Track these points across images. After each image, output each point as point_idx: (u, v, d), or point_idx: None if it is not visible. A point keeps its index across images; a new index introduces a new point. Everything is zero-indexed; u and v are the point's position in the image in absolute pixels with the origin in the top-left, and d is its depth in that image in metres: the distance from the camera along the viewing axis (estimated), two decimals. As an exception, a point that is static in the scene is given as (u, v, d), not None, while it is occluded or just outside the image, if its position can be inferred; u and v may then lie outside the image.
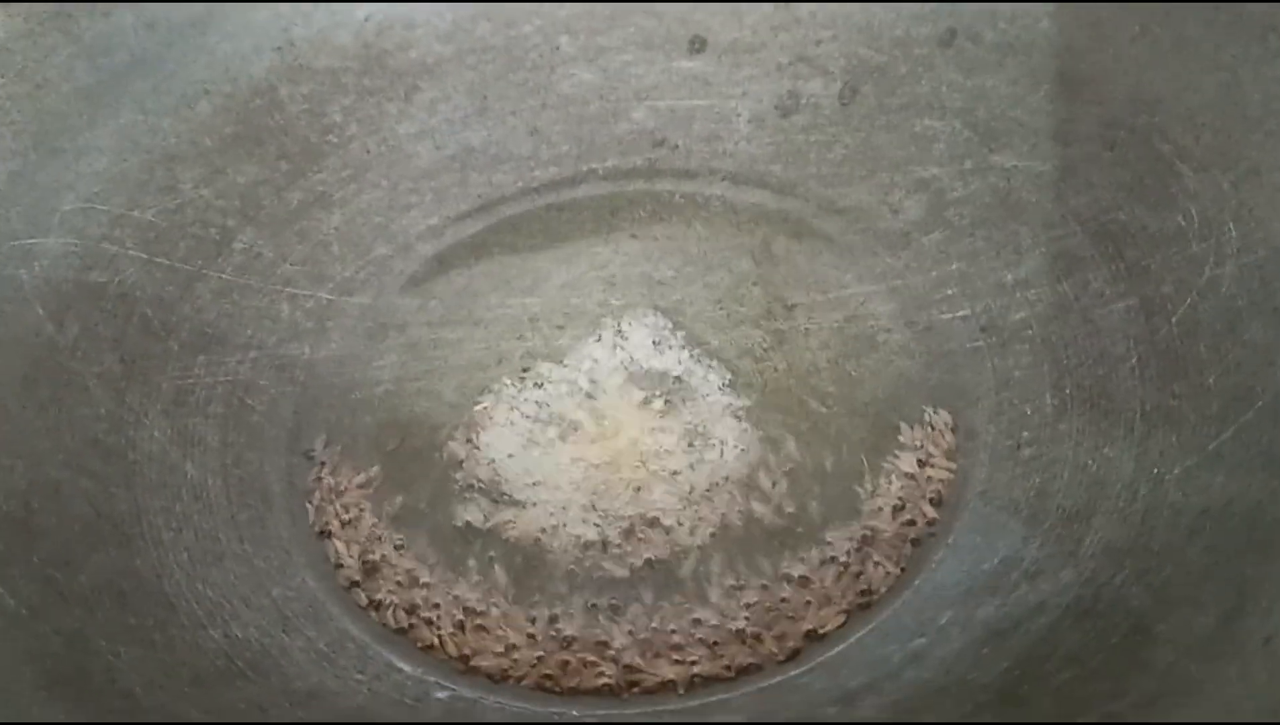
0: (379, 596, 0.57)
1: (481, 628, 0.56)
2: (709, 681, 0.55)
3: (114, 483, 0.58)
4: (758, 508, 0.59)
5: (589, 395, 0.63)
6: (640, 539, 0.58)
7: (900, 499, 0.58)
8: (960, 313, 0.65)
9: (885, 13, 0.72)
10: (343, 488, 0.61)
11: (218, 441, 0.62)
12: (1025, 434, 0.59)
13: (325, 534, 0.59)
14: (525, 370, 0.65)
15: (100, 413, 0.60)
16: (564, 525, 0.59)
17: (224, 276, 0.67)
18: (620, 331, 0.66)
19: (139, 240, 0.66)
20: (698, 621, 0.56)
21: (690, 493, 0.60)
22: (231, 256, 0.68)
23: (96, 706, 0.49)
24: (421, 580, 0.58)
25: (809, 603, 0.56)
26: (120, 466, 0.59)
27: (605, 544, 0.58)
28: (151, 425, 0.61)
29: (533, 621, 0.56)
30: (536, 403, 0.64)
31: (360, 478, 0.61)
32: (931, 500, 0.58)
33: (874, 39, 0.72)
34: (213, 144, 0.69)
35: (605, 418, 0.63)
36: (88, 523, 0.56)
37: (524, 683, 0.54)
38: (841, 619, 0.55)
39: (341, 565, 0.58)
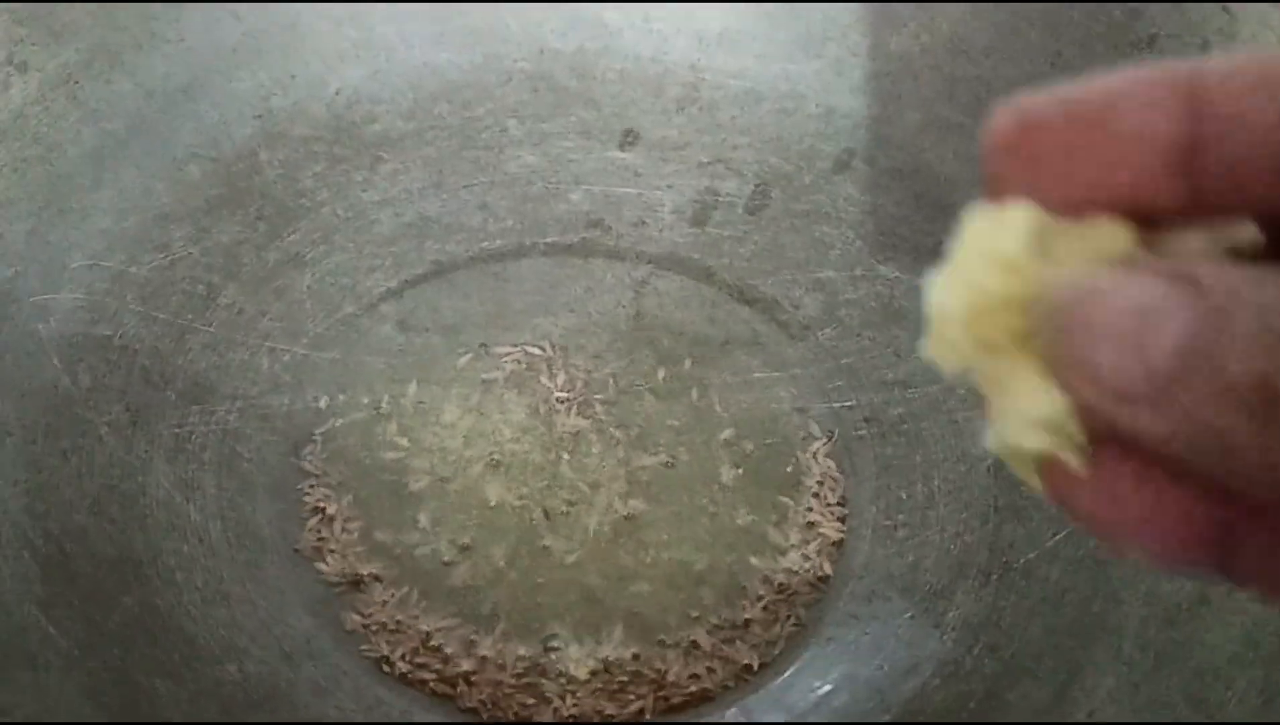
0: (367, 634, 0.67)
1: (450, 660, 0.67)
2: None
3: (130, 527, 0.67)
4: (671, 570, 0.71)
5: (520, 449, 0.74)
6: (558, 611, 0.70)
7: (799, 564, 0.71)
8: (848, 403, 0.78)
9: (793, 128, 0.84)
10: (329, 532, 0.70)
11: (214, 487, 0.70)
12: (901, 516, 0.73)
13: (318, 572, 0.69)
14: (480, 419, 0.75)
15: (113, 459, 0.68)
16: (514, 567, 0.70)
17: (211, 330, 0.75)
18: (556, 398, 0.77)
19: (137, 295, 0.73)
20: (610, 669, 0.68)
21: (603, 549, 0.71)
22: (217, 311, 0.75)
23: (150, 738, 0.58)
24: (406, 620, 0.68)
25: (720, 655, 0.68)
26: (134, 511, 0.67)
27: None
28: (157, 472, 0.69)
29: (501, 655, 0.67)
30: (492, 449, 0.74)
31: (341, 521, 0.71)
32: (820, 578, 0.71)
33: (784, 149, 0.84)
34: (200, 204, 0.77)
35: (538, 470, 0.74)
36: (113, 564, 0.65)
37: (495, 712, 0.65)
38: (755, 661, 0.68)
39: (336, 606, 0.68)
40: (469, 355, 0.78)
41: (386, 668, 0.66)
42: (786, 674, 0.68)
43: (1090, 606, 0.65)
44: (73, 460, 0.67)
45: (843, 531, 0.72)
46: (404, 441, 0.74)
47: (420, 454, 0.74)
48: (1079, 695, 0.61)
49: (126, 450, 0.69)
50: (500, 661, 0.67)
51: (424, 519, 0.71)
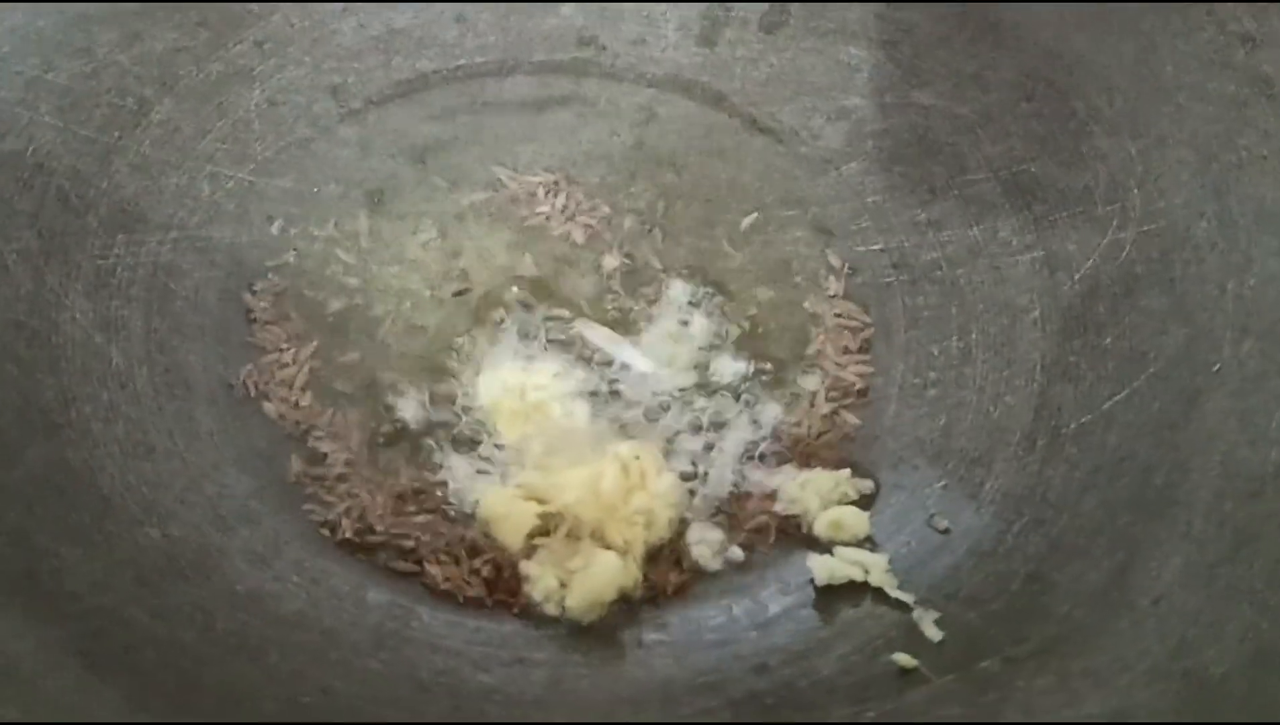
0: (311, 495, 0.58)
1: (413, 534, 0.58)
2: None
3: (39, 368, 0.58)
4: (689, 415, 0.61)
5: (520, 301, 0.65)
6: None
7: (813, 419, 0.61)
8: (874, 246, 0.68)
9: (817, -67, 0.73)
10: (272, 378, 0.61)
11: (141, 327, 0.61)
12: (932, 374, 0.63)
13: (258, 424, 0.60)
14: (453, 261, 0.65)
15: (20, 292, 0.59)
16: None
17: (142, 150, 0.65)
18: (540, 233, 0.67)
19: (54, 106, 0.63)
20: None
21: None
22: (149, 129, 0.66)
23: (49, 610, 0.49)
24: (353, 478, 0.58)
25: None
26: (45, 351, 0.58)
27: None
28: (73, 307, 0.60)
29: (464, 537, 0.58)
30: (463, 286, 0.64)
31: (290, 369, 0.61)
32: (841, 435, 0.61)
33: (805, -42, 0.73)
34: (129, 6, 0.66)
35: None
36: (18, 411, 0.56)
37: (461, 592, 0.56)
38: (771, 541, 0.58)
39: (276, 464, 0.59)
40: (441, 183, 0.68)
41: (328, 533, 0.57)
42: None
43: (1153, 478, 0.55)
44: (-30, 292, 0.57)
45: (865, 377, 0.63)
46: (360, 279, 0.65)
47: (379, 292, 0.64)
48: (1141, 578, 0.52)
49: (37, 282, 0.59)
50: (465, 534, 0.58)
51: (380, 364, 0.62)
